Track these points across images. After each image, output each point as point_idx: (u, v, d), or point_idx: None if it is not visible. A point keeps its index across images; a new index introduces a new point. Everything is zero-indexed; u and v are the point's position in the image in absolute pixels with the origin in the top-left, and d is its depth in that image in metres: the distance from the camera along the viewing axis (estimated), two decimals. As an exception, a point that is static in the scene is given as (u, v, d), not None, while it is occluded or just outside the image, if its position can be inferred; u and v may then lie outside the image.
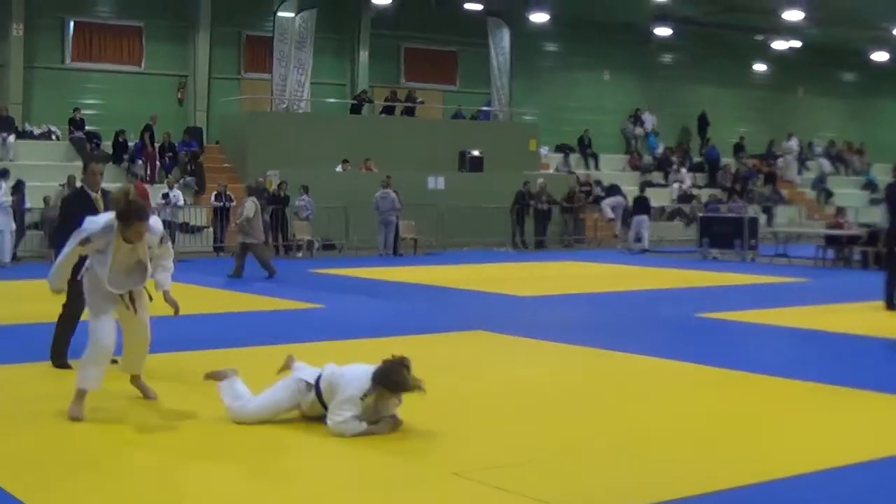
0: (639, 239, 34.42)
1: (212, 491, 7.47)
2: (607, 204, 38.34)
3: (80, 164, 32.45)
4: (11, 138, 32.69)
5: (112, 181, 31.22)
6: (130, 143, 33.95)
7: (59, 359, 11.75)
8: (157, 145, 34.53)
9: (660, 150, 46.34)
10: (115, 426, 9.16)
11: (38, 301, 12.98)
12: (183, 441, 8.77)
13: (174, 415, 9.55)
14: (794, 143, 48.99)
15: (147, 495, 7.32)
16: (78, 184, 17.35)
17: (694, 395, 11.01)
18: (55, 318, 11.73)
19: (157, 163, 34.11)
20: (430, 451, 8.56)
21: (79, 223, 10.94)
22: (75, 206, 11.75)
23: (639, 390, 11.15)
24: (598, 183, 40.47)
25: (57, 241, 12.24)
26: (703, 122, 48.05)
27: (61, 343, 11.77)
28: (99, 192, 11.80)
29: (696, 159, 46.90)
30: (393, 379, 8.76)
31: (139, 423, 9.28)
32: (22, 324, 15.16)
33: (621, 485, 7.62)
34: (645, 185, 42.36)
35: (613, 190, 39.23)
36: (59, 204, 12.38)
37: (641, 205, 35.01)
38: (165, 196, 31.41)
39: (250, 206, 23.30)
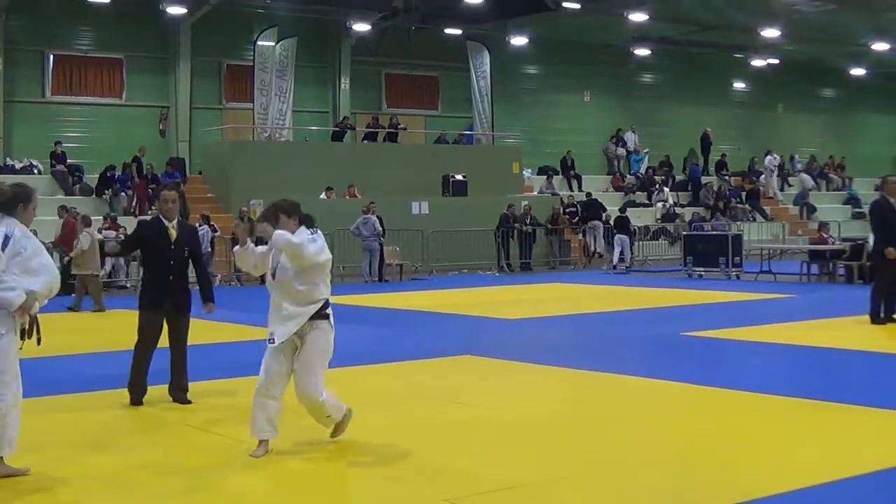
0: (622, 259, 34.51)
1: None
2: (589, 230, 38.10)
3: (62, 197, 32.81)
4: (-7, 173, 32.67)
5: (97, 215, 31.40)
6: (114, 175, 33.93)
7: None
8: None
9: (644, 166, 46.43)
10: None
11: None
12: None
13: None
14: (771, 160, 49.11)
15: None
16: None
17: (681, 415, 11.01)
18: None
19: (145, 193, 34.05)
20: (420, 477, 8.55)
21: (149, 252, 11.72)
22: (147, 230, 12.17)
23: (626, 411, 11.15)
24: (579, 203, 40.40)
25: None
26: (705, 142, 48.22)
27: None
28: (174, 221, 11.83)
29: (679, 178, 47.02)
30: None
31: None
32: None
33: (612, 507, 7.63)
34: (628, 204, 42.56)
35: (591, 210, 38.93)
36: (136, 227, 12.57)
37: (622, 224, 35.11)
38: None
39: (85, 237, 23.04)
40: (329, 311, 9.28)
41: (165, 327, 11.77)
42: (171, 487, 8.27)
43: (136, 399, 11.64)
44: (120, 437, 10.19)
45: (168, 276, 11.64)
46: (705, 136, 48.18)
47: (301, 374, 9.12)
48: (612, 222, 36.59)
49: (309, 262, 9.06)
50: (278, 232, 9.05)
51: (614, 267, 34.49)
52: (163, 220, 11.85)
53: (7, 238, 8.37)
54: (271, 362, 9.17)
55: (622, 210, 36.67)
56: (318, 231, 9.28)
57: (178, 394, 11.68)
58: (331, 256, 9.32)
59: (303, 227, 9.24)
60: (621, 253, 34.61)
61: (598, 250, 37.35)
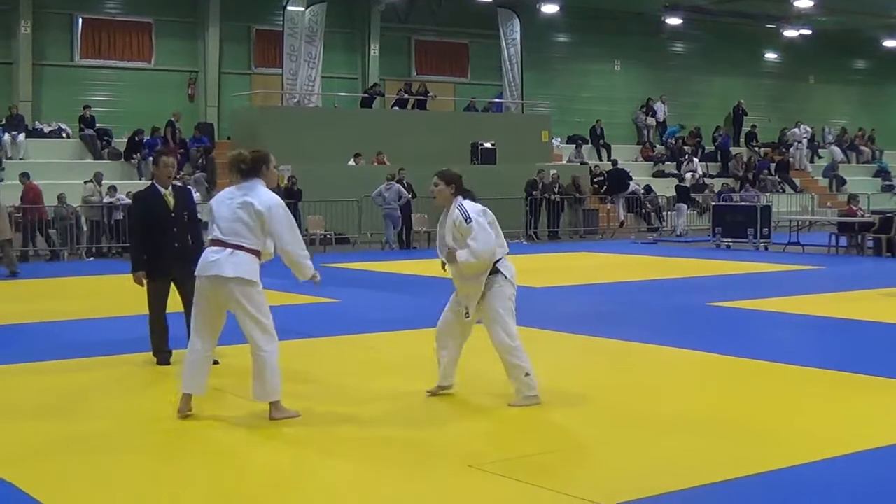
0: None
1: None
2: (620, 201, 38.07)
3: (90, 161, 32.89)
4: (21, 136, 32.72)
5: (125, 179, 31.47)
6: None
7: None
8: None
9: (678, 135, 46.31)
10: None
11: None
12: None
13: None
14: (799, 131, 48.90)
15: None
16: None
17: (707, 385, 11.00)
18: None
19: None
20: (444, 443, 8.55)
21: (150, 220, 11.43)
22: (146, 203, 11.85)
23: (653, 380, 11.14)
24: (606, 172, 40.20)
25: (133, 242, 12.45)
26: (737, 114, 48.01)
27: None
28: (170, 187, 11.77)
29: (709, 148, 46.83)
30: None
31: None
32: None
33: (637, 474, 7.60)
34: (657, 174, 42.48)
35: (617, 181, 38.81)
36: (132, 201, 12.44)
37: (682, 193, 35.72)
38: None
39: None
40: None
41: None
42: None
43: (163, 360, 11.79)
44: (144, 387, 10.25)
45: (173, 244, 11.60)
46: (738, 107, 47.94)
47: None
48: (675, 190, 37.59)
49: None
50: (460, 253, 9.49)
51: (678, 235, 34.81)
52: (158, 187, 11.74)
53: None
54: None
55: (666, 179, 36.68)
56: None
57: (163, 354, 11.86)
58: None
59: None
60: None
61: (623, 219, 37.29)
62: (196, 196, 31.28)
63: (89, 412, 9.66)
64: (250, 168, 9.22)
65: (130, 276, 11.78)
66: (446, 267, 9.83)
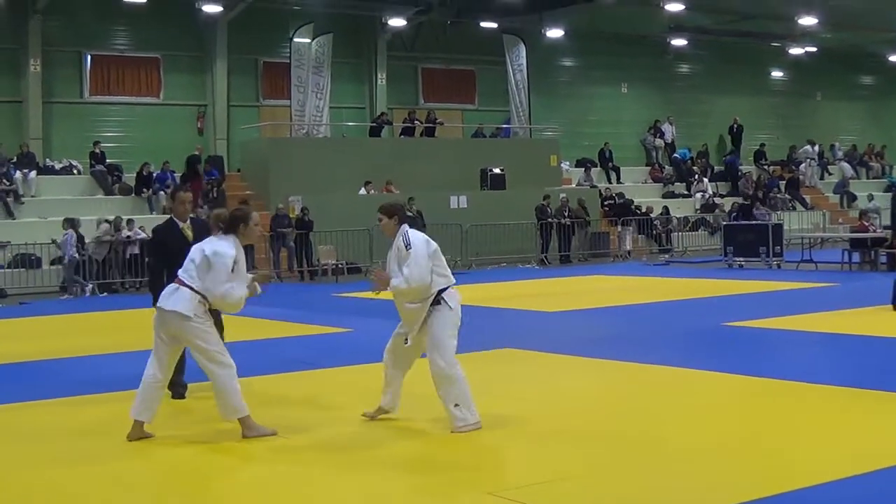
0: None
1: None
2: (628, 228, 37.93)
3: (101, 197, 33.00)
4: (33, 174, 32.80)
5: (136, 213, 31.52)
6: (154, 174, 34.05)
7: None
8: (179, 175, 34.55)
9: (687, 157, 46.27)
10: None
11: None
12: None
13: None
14: (810, 149, 48.94)
15: None
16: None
17: (725, 405, 10.97)
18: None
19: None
20: (463, 470, 8.55)
21: (168, 254, 11.55)
22: (164, 236, 12.12)
23: (670, 402, 11.11)
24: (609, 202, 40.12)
25: (150, 273, 13.01)
26: (734, 131, 47.97)
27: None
28: (188, 220, 12.05)
29: (717, 168, 46.80)
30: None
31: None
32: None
33: (656, 498, 7.59)
34: (667, 195, 42.50)
35: (622, 211, 38.67)
36: (152, 234, 12.66)
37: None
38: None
39: None
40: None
41: None
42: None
43: (176, 394, 11.83)
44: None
45: None
46: (734, 125, 47.83)
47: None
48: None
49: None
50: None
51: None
52: (176, 220, 12.10)
53: None
54: None
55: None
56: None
57: (175, 388, 11.82)
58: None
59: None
60: None
61: (628, 249, 37.13)
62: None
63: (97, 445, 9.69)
64: (227, 227, 9.84)
65: (141, 310, 11.88)
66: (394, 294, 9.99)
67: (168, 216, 12.48)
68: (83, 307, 24.21)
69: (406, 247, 9.71)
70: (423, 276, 9.64)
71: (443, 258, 9.99)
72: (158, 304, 9.83)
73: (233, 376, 9.65)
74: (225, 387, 9.61)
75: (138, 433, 9.71)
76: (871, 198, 43.34)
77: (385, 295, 10.16)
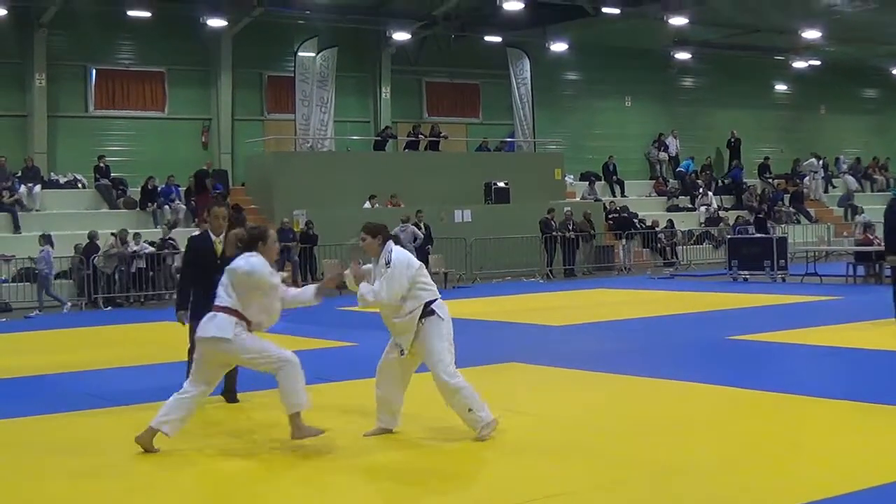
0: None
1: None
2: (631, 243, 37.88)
3: (106, 210, 33.05)
4: (38, 188, 32.84)
5: (141, 227, 31.54)
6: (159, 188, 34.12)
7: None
8: (185, 188, 34.65)
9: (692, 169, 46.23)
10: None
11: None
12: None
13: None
14: (815, 162, 48.93)
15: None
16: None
17: (729, 419, 10.95)
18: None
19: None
20: (469, 484, 8.55)
21: (197, 266, 12.21)
22: (196, 247, 12.68)
23: (674, 416, 11.10)
24: (624, 209, 40.13)
25: (180, 283, 13.39)
26: (733, 144, 47.93)
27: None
28: (221, 235, 12.41)
29: (723, 181, 46.80)
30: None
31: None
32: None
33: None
34: (672, 209, 42.48)
35: (623, 225, 38.55)
36: (187, 244, 13.16)
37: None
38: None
39: None
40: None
41: None
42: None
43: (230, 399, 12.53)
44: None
45: (217, 289, 11.82)
46: (733, 137, 47.79)
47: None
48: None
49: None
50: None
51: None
52: (211, 234, 12.51)
53: None
54: None
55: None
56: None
57: (228, 395, 12.48)
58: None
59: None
60: None
61: (628, 265, 37.05)
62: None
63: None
64: (246, 246, 10.04)
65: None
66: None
67: (168, 230, 12.98)
68: (85, 322, 24.20)
69: (387, 263, 9.87)
70: (392, 295, 9.83)
71: (427, 274, 10.20)
72: (197, 335, 9.99)
73: (292, 371, 9.74)
74: (284, 382, 9.70)
75: (148, 440, 9.77)
76: (859, 210, 43.31)
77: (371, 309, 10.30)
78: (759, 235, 32.68)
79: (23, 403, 12.90)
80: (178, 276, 15.76)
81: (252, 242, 9.94)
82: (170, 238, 30.12)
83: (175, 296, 13.45)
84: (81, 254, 28.52)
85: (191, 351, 12.07)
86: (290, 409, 9.71)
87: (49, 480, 9.04)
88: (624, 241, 37.38)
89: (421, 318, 9.95)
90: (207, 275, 11.97)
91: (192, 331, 11.96)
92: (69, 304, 27.45)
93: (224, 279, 9.95)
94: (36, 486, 8.93)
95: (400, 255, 9.98)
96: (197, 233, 13.49)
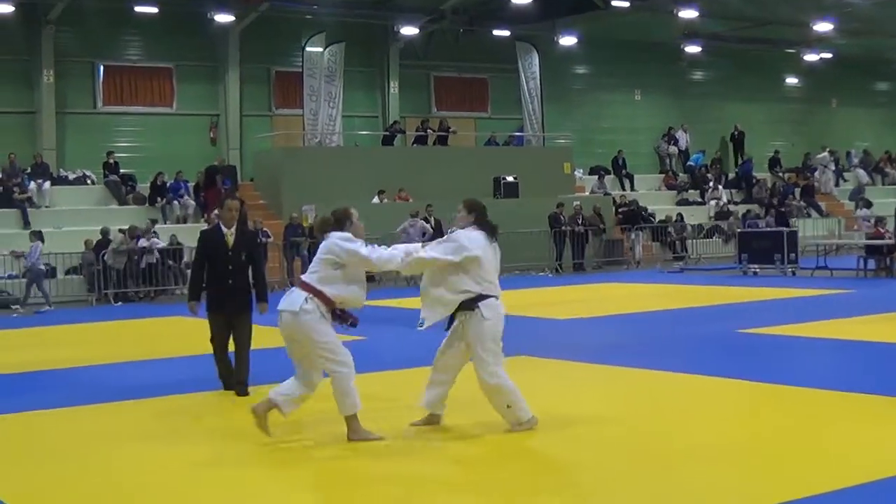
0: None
1: None
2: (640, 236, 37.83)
3: (116, 206, 33.05)
4: (47, 185, 32.85)
5: (149, 221, 31.49)
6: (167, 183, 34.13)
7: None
8: (194, 184, 34.64)
9: (702, 163, 46.11)
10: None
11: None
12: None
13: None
14: (826, 156, 48.79)
15: None
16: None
17: (739, 412, 10.93)
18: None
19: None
20: (477, 477, 8.52)
21: (208, 258, 12.38)
22: (207, 239, 12.76)
23: (684, 409, 11.06)
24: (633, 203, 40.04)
25: (192, 275, 13.47)
26: (737, 138, 47.80)
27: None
28: (233, 227, 12.49)
29: (732, 175, 46.69)
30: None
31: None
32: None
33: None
34: (681, 202, 42.38)
35: (631, 219, 38.47)
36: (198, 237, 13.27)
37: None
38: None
39: None
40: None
41: None
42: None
43: (228, 385, 12.62)
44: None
45: (227, 280, 12.38)
46: (736, 131, 47.66)
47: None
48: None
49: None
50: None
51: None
52: (222, 227, 12.58)
53: None
54: None
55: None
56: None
57: (238, 387, 12.41)
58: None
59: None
60: None
61: (637, 259, 37.00)
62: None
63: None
64: (335, 227, 9.90)
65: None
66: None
67: (178, 225, 13.10)
68: (93, 317, 24.21)
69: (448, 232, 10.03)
70: (431, 254, 9.96)
71: (490, 271, 10.22)
72: (278, 307, 9.85)
73: (350, 374, 9.73)
74: (339, 386, 9.69)
75: (262, 414, 9.89)
76: (865, 203, 43.10)
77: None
78: (769, 229, 32.54)
79: (49, 396, 12.91)
80: (188, 270, 15.95)
81: (340, 223, 9.88)
82: (178, 243, 30.10)
83: (188, 288, 13.62)
84: (93, 249, 28.54)
85: (212, 339, 12.56)
86: (345, 410, 9.71)
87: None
88: (633, 235, 37.31)
89: (464, 308, 9.95)
90: (218, 267, 12.35)
91: (214, 321, 12.51)
92: (51, 307, 27.17)
93: (317, 255, 9.91)
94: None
95: (470, 233, 10.11)
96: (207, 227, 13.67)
